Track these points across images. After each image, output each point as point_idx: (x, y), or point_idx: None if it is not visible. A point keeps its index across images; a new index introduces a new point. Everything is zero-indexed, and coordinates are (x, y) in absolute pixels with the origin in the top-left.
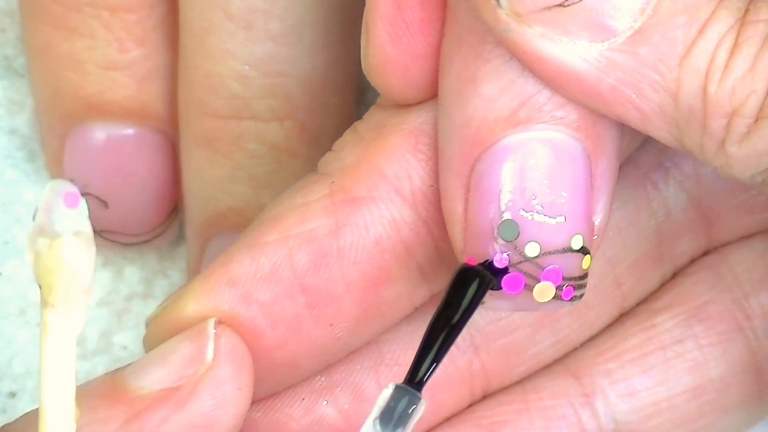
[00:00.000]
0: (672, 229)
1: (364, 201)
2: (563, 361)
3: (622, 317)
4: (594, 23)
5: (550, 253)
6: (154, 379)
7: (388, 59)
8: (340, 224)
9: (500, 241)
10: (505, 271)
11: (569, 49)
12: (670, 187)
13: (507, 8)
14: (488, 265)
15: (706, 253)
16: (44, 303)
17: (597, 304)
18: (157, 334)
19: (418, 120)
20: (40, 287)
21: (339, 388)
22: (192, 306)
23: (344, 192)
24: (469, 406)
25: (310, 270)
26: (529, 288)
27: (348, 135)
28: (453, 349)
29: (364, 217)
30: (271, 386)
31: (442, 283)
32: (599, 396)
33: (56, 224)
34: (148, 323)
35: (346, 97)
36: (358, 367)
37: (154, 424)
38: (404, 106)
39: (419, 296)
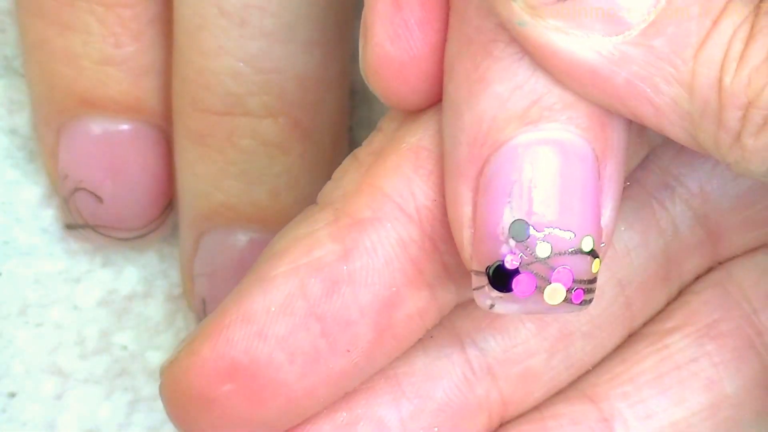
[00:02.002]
0: (679, 247)
1: (369, 222)
2: (579, 386)
3: (633, 339)
4: (608, 16)
5: (561, 254)
6: None
7: (386, 59)
8: (348, 248)
9: (511, 242)
10: (515, 272)
11: (583, 43)
12: (676, 205)
13: (521, 1)
14: (499, 266)
15: (710, 269)
16: None
17: (608, 326)
18: (174, 381)
19: (416, 137)
20: None
21: (361, 423)
22: (207, 348)
23: (349, 216)
24: None
25: (323, 298)
26: (540, 290)
27: (348, 162)
28: (471, 377)
29: (371, 238)
30: (290, 419)
31: (450, 302)
32: (618, 420)
33: None
34: (163, 371)
35: (341, 94)
36: (379, 401)
37: None
38: (403, 125)
39: (430, 316)
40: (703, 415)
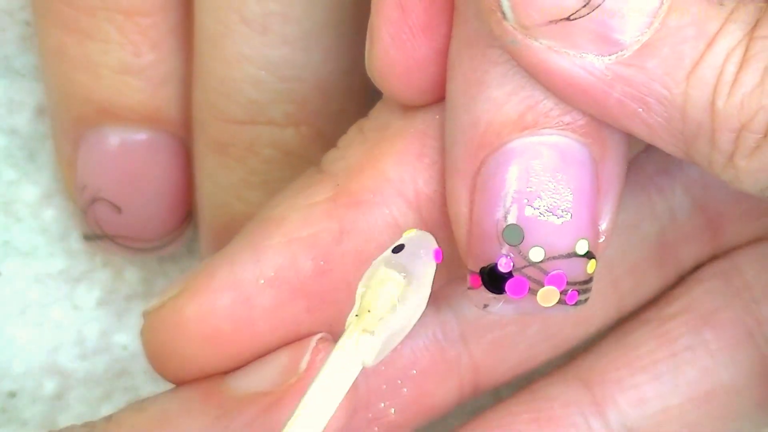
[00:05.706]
0: (676, 233)
1: (368, 205)
2: (575, 368)
3: (632, 325)
4: (601, 36)
5: (554, 258)
6: (249, 381)
7: (390, 62)
8: (344, 229)
9: (505, 245)
10: (509, 275)
11: (576, 62)
12: (676, 192)
13: (513, 20)
14: (492, 268)
15: (713, 258)
16: (358, 323)
17: (591, 304)
18: (155, 331)
19: (423, 123)
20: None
21: None
22: (192, 306)
23: (348, 195)
24: (459, 400)
25: (313, 275)
26: (533, 292)
27: (353, 133)
28: (442, 340)
29: (368, 222)
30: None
31: (440, 283)
32: (610, 404)
33: (409, 266)
34: (146, 315)
35: (362, 103)
36: None
37: (240, 425)
38: (410, 107)
39: None
40: (696, 403)
